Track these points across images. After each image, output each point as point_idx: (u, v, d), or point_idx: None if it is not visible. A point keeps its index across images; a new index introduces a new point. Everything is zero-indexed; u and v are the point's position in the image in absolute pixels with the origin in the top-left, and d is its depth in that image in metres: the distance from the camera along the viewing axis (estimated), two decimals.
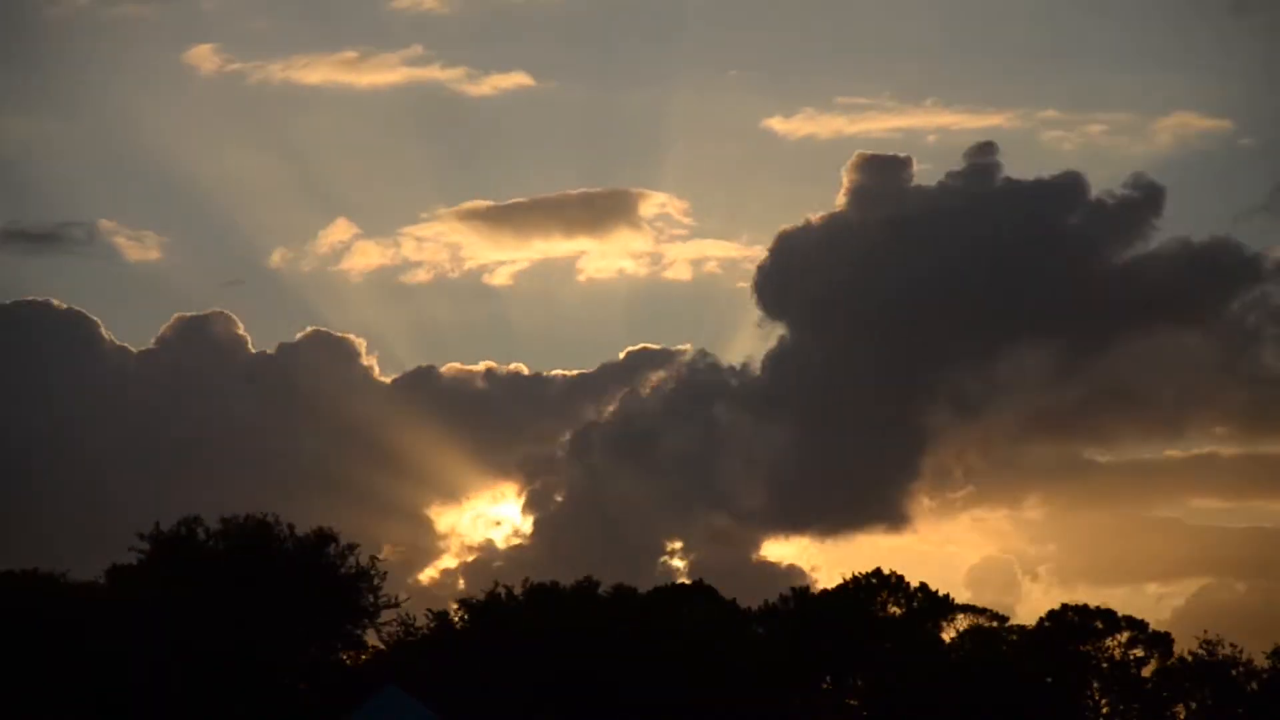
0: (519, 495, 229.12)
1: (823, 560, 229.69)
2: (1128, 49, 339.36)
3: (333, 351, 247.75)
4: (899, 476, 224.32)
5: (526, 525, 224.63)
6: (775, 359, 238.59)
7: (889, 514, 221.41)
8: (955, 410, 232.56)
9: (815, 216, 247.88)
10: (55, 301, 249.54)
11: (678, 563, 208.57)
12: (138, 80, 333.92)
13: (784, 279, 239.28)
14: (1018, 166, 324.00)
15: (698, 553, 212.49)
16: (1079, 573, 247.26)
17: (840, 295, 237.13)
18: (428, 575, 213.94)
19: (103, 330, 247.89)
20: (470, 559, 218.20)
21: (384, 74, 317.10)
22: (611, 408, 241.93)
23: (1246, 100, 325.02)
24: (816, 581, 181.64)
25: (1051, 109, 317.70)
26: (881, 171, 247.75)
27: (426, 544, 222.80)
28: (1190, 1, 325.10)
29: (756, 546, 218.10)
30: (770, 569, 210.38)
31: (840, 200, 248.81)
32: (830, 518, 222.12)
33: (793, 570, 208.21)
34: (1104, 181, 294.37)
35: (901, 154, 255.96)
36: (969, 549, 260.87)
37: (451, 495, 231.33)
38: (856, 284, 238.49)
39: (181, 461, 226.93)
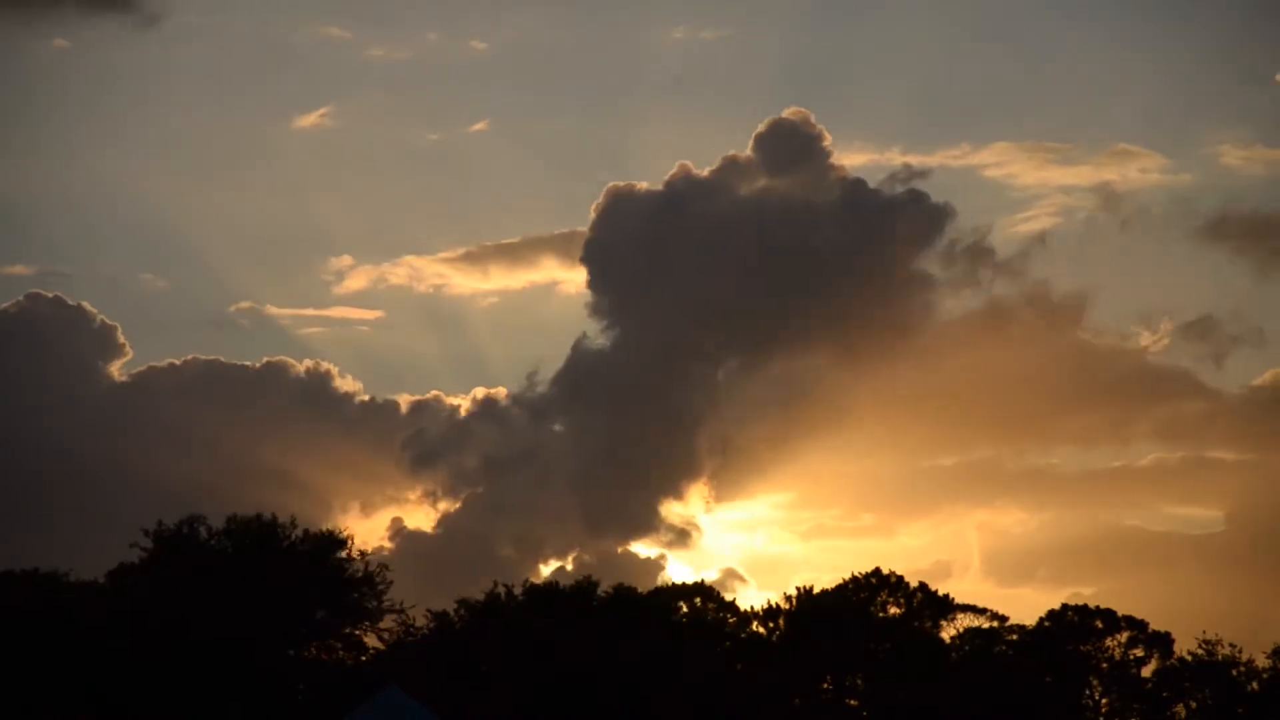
0: (435, 506, 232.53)
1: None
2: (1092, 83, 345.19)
3: (313, 378, 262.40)
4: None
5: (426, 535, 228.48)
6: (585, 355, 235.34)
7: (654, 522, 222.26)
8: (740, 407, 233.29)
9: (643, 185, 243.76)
10: (88, 307, 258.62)
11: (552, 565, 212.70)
12: (119, 126, 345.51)
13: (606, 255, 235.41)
14: (958, 197, 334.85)
15: (578, 555, 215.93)
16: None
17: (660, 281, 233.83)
18: None
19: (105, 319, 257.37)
20: None
21: (370, 118, 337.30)
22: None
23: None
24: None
25: (1004, 142, 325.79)
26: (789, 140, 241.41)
27: None
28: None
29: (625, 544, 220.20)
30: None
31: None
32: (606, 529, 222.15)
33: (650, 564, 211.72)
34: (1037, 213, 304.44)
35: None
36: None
37: (382, 507, 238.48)
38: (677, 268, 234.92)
39: (168, 465, 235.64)
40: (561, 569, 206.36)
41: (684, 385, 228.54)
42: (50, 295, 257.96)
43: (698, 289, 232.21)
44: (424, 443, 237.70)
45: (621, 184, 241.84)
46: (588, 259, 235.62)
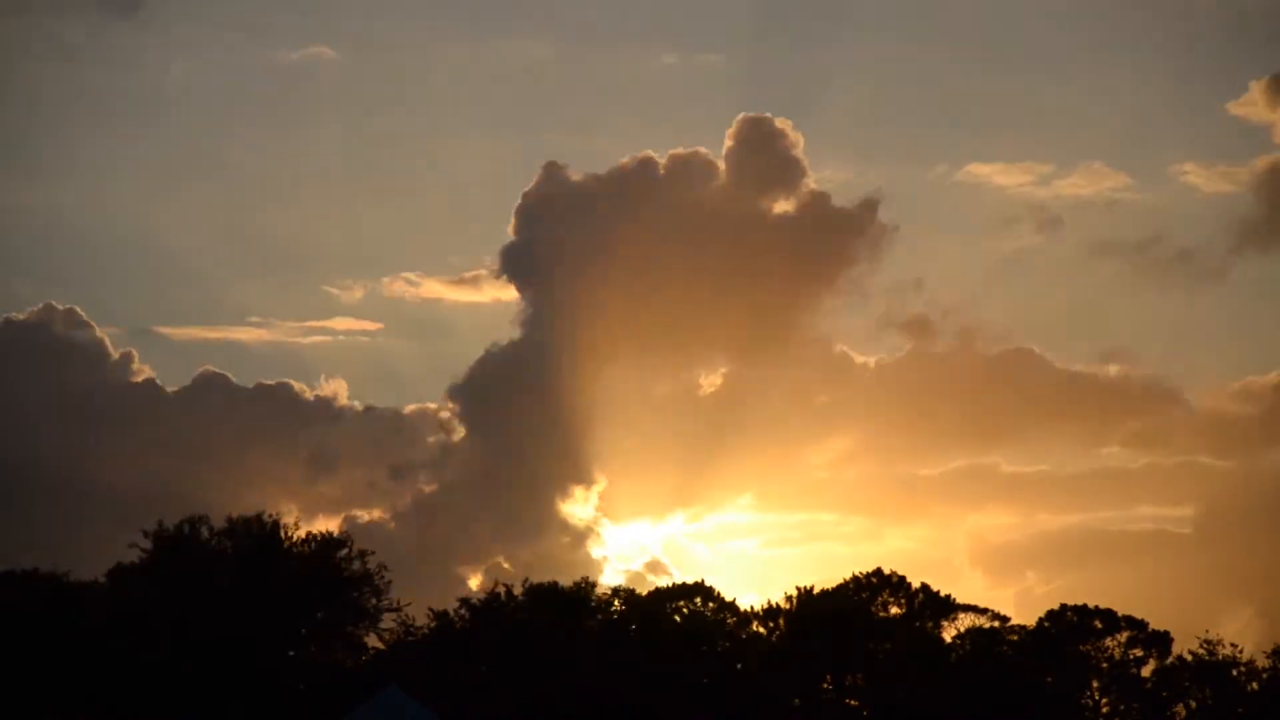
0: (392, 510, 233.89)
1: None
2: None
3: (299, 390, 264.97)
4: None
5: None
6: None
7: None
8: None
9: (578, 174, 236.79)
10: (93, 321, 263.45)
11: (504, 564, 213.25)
12: (108, 152, 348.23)
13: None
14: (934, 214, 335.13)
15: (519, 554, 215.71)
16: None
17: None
18: None
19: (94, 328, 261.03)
20: None
21: (366, 144, 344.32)
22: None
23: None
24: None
25: (979, 162, 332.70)
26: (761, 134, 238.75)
27: None
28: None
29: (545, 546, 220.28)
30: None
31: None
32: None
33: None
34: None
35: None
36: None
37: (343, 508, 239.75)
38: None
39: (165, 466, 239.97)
40: (498, 564, 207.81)
41: (599, 388, 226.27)
42: (63, 307, 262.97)
43: (625, 287, 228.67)
44: (324, 450, 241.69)
45: (560, 165, 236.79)
46: (505, 257, 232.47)
